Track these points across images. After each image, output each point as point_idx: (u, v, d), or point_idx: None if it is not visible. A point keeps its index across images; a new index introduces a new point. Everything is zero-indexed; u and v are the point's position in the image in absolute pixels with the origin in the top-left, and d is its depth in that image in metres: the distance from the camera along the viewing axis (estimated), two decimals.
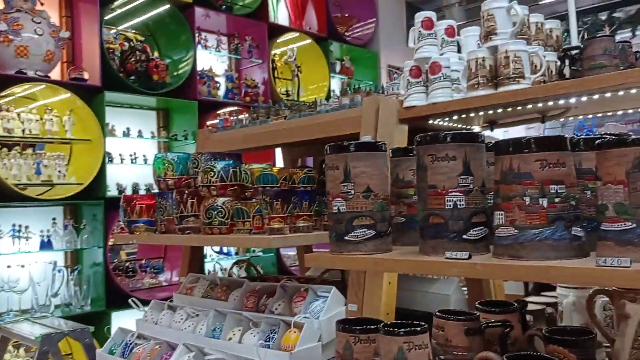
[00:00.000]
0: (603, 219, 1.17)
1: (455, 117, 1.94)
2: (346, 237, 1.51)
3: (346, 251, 1.51)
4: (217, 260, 5.10)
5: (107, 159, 4.41)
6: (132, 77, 4.61)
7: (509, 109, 1.81)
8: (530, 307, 2.12)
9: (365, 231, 1.51)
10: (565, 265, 1.13)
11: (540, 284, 4.92)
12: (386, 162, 1.59)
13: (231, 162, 2.00)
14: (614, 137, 1.19)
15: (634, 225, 1.12)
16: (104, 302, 4.29)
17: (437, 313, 1.56)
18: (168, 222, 2.16)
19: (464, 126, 2.15)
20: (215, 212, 1.93)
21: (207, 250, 4.85)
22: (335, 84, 6.46)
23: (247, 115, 2.51)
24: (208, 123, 4.95)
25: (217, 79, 5.29)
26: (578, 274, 1.10)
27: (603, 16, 5.69)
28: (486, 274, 1.23)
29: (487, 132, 2.31)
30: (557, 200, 1.23)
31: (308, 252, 2.85)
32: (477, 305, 1.68)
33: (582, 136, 1.43)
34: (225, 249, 5.25)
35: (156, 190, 2.28)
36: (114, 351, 2.18)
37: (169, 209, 2.12)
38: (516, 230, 1.25)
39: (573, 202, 1.25)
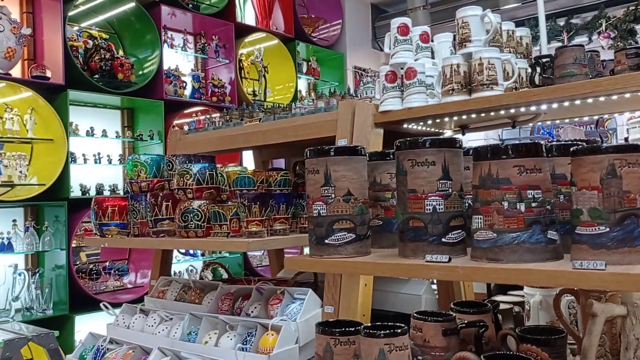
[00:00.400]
0: (578, 223, 1.22)
1: (429, 122, 1.98)
2: (326, 241, 1.52)
3: (326, 254, 1.52)
4: (184, 261, 5.04)
5: (70, 159, 4.30)
6: (97, 76, 4.51)
7: (482, 115, 1.86)
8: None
9: (345, 234, 1.52)
10: (542, 268, 1.17)
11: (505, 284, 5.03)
12: (365, 166, 1.61)
13: (207, 165, 1.98)
14: (588, 145, 1.23)
15: (607, 230, 1.17)
16: (67, 305, 4.18)
17: (415, 314, 1.59)
18: (141, 225, 2.12)
19: (437, 130, 2.19)
20: (192, 215, 1.92)
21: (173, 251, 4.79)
22: (302, 85, 6.47)
23: (218, 116, 2.49)
24: (175, 123, 4.89)
25: (183, 78, 5.22)
26: (555, 276, 1.15)
27: (561, 22, 5.87)
28: (467, 276, 1.26)
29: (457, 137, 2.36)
30: (534, 205, 1.27)
31: (280, 254, 2.86)
32: (452, 306, 1.71)
33: (555, 142, 1.48)
34: (191, 250, 5.19)
35: (122, 192, 2.24)
36: (85, 357, 2.13)
37: (142, 212, 2.09)
38: (495, 234, 1.28)
39: (549, 207, 1.29)
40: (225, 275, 2.83)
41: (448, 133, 2.25)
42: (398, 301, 2.48)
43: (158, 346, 1.93)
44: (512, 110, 1.79)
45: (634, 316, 1.59)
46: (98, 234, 2.24)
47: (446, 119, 1.93)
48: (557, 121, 2.21)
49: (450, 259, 1.34)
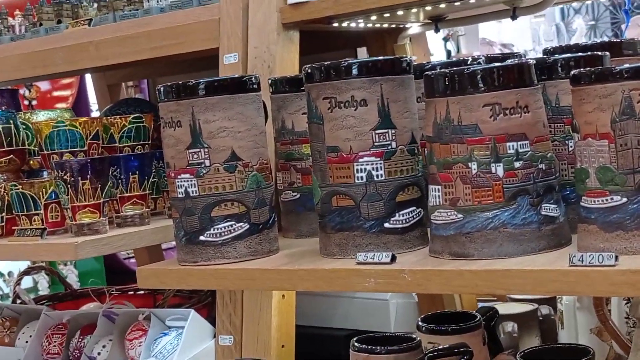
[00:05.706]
0: (584, 191, 1.38)
1: (373, 17, 2.11)
2: (202, 237, 1.66)
3: (204, 260, 1.66)
4: None
5: None
6: None
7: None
8: (513, 309, 2.40)
9: (232, 225, 1.66)
10: (526, 267, 1.34)
11: None
12: (261, 108, 1.72)
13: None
14: (594, 68, 1.36)
15: (625, 200, 1.33)
16: None
17: (355, 343, 1.76)
18: None
19: (394, 25, 2.31)
20: None
21: None
22: None
23: (21, 17, 2.54)
24: None
25: None
26: (542, 280, 1.31)
27: None
28: (417, 286, 1.43)
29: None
30: (517, 165, 1.42)
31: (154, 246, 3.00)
32: (419, 323, 1.89)
33: (562, 55, 1.61)
34: None
35: None
36: None
37: None
38: (460, 215, 1.44)
39: (542, 166, 1.44)
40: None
41: (414, 29, 2.38)
42: (354, 311, 2.66)
43: None
44: None
45: None
46: None
47: (400, 12, 2.06)
48: None
49: (393, 258, 1.49)
